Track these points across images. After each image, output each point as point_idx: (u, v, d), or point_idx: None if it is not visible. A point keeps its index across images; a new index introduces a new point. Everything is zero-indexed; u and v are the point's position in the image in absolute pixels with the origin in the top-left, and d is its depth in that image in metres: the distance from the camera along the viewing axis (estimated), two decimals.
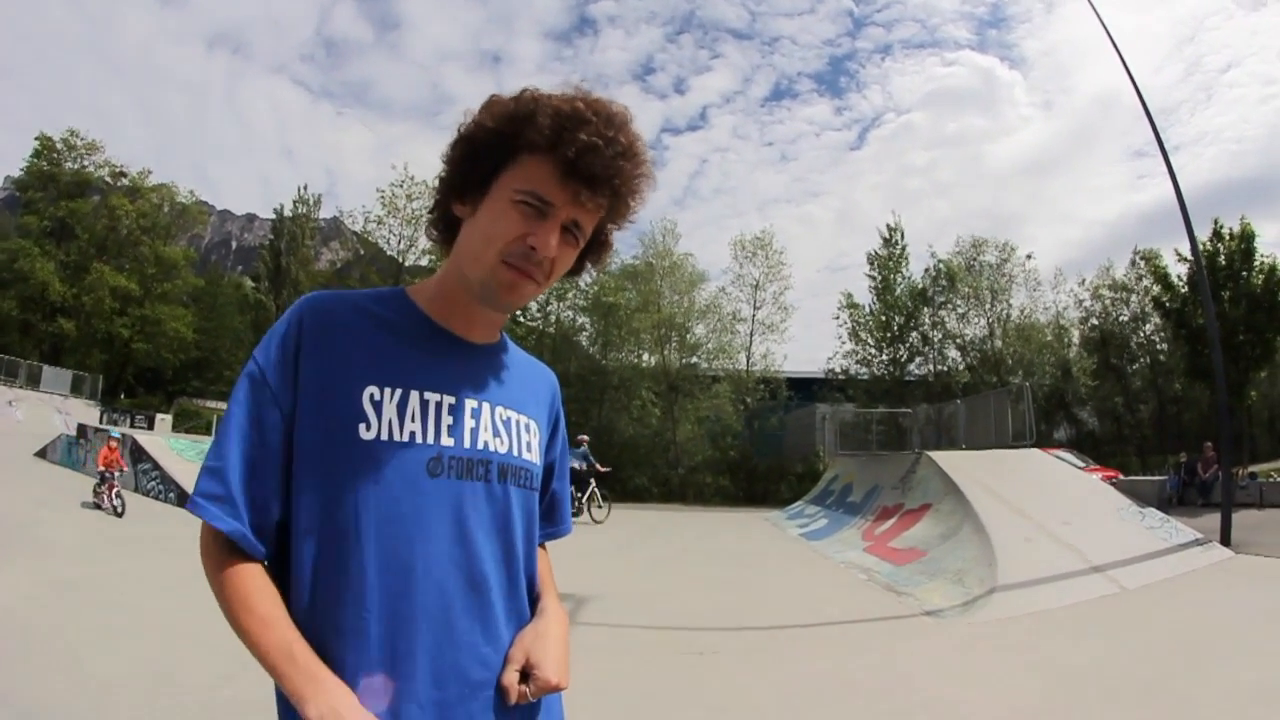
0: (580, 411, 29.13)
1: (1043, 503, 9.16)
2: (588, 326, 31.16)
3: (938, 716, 3.94)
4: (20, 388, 28.34)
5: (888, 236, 32.23)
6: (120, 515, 10.40)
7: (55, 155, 38.82)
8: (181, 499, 10.99)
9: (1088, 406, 30.86)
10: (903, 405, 23.61)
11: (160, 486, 11.62)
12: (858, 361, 31.19)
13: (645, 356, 30.21)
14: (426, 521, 0.90)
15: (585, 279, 29.33)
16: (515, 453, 1.00)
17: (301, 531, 0.90)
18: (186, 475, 11.37)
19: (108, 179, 40.33)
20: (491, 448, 0.97)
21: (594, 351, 30.32)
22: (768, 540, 13.62)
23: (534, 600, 1.08)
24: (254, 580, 0.89)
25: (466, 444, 0.95)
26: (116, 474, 10.83)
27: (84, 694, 3.59)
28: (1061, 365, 30.19)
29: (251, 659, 0.85)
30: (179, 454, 12.51)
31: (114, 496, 10.60)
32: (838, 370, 31.33)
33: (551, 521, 1.21)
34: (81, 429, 14.90)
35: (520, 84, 0.97)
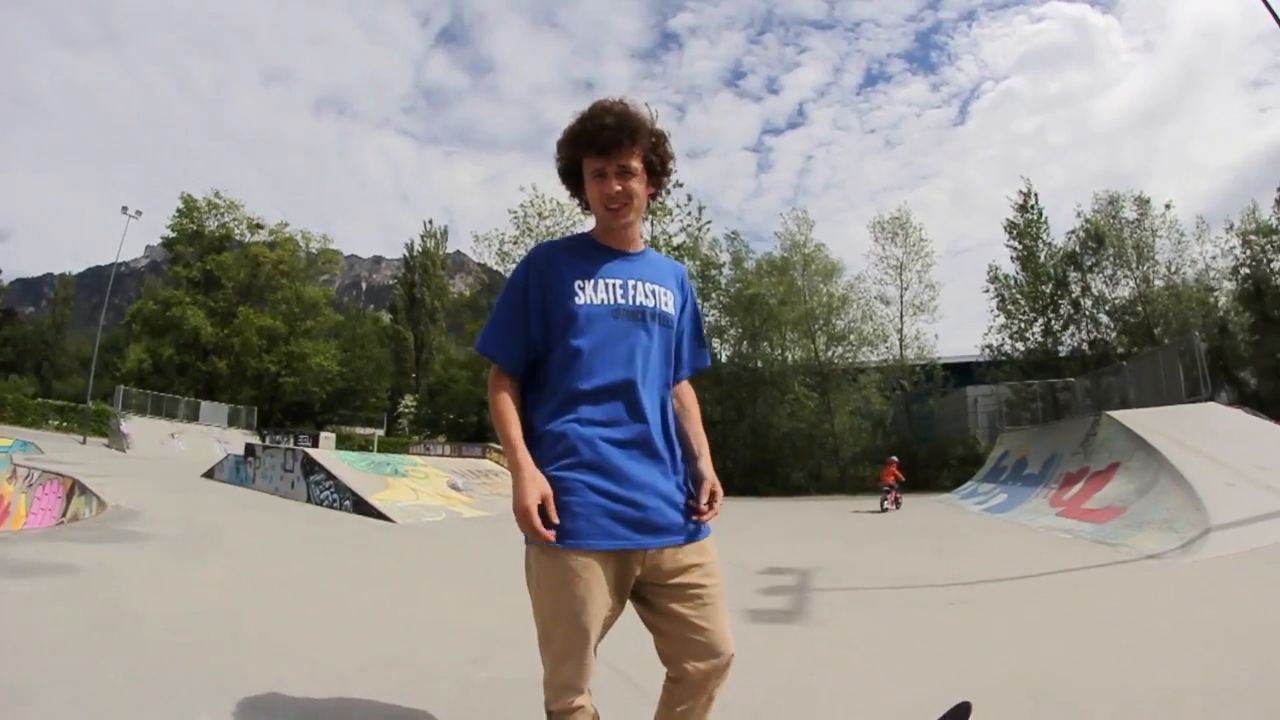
0: (734, 409, 28.84)
1: (1234, 451, 8.80)
2: (733, 326, 30.39)
3: (1205, 630, 3.97)
4: (181, 421, 31.14)
5: (1023, 203, 31.13)
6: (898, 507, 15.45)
7: (198, 214, 42.70)
8: (357, 506, 11.55)
9: (1249, 367, 28.22)
10: (1058, 379, 22.35)
11: (335, 495, 12.18)
12: (1011, 335, 29.96)
13: (794, 350, 29.78)
14: (614, 341, 1.75)
15: (723, 277, 30.92)
16: (658, 306, 1.83)
17: (554, 353, 1.76)
18: (360, 483, 12.01)
19: (246, 231, 44.02)
20: (645, 303, 1.81)
21: (743, 349, 29.80)
22: (952, 516, 13.34)
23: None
24: (508, 401, 1.76)
25: (631, 302, 1.79)
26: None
27: (317, 680, 3.09)
28: (1217, 323, 27.60)
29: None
30: (350, 465, 13.00)
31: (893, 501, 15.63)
32: (993, 346, 30.18)
33: (685, 363, 1.99)
34: (250, 448, 15.55)
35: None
